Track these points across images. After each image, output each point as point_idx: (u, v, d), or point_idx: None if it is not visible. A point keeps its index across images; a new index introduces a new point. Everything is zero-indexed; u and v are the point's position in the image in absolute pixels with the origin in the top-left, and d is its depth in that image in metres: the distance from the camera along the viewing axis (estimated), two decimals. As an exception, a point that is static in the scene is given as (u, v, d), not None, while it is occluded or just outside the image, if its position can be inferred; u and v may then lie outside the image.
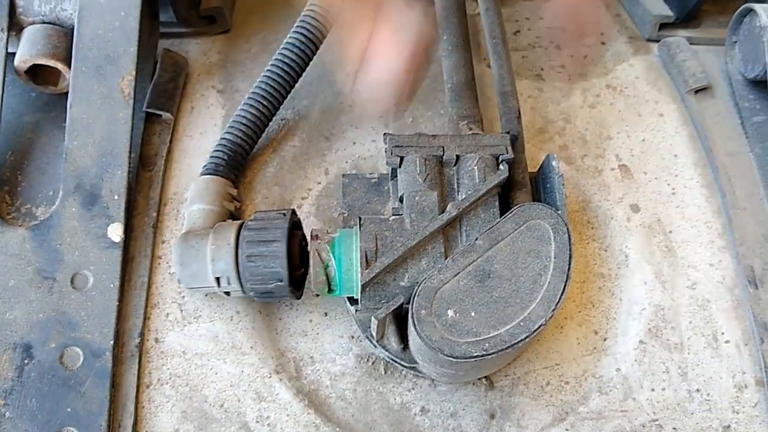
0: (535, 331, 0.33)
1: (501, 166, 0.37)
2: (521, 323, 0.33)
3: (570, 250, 0.35)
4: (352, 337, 0.39)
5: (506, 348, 0.33)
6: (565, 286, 0.34)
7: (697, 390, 0.38)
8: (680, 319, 0.40)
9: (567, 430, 0.37)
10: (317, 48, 0.43)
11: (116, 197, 0.39)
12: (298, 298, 0.38)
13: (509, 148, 0.38)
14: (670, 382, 0.38)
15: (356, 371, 0.38)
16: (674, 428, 0.37)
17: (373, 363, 0.39)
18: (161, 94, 0.44)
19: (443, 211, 0.36)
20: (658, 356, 0.39)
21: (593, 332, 0.40)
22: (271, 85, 0.42)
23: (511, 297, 0.33)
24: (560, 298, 0.34)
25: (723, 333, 0.40)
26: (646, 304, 0.40)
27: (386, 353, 0.38)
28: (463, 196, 0.36)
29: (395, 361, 0.38)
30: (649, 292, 0.40)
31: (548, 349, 0.39)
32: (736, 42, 0.47)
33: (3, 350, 0.37)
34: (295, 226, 0.38)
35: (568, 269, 0.34)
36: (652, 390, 0.38)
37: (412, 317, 0.33)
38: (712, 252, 0.42)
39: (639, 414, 0.38)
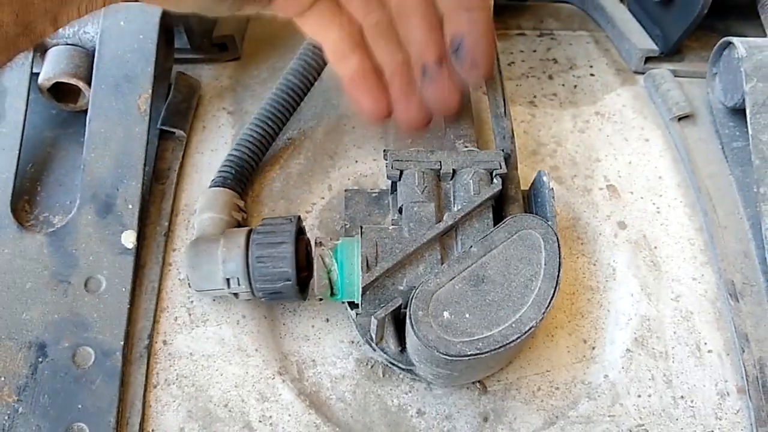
0: (526, 332, 0.34)
1: (495, 180, 0.39)
2: (513, 325, 0.35)
3: (559, 257, 0.36)
4: (352, 342, 0.41)
5: (499, 348, 0.34)
6: (554, 291, 0.35)
7: (682, 397, 0.40)
8: (665, 329, 0.41)
9: (557, 433, 0.39)
10: (319, 73, 0.45)
11: (130, 206, 0.41)
12: (304, 299, 0.40)
13: (502, 164, 0.40)
14: (656, 389, 0.40)
15: (356, 374, 0.40)
16: (660, 433, 0.39)
17: (372, 367, 0.40)
18: (175, 113, 0.46)
19: (440, 221, 0.38)
20: (644, 364, 0.40)
21: (582, 341, 0.41)
22: (275, 107, 0.44)
23: (503, 300, 0.35)
24: (550, 302, 0.35)
25: (706, 343, 0.41)
26: (632, 314, 0.42)
27: (385, 356, 0.39)
28: (459, 207, 0.38)
29: (393, 364, 0.39)
30: (635, 304, 0.42)
31: (539, 356, 0.41)
32: (716, 73, 0.49)
33: (18, 349, 0.38)
34: (300, 231, 0.40)
35: (558, 275, 0.36)
36: (639, 396, 0.39)
37: (410, 318, 0.34)
38: (694, 267, 0.43)
39: (626, 419, 0.39)
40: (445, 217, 0.38)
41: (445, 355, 0.34)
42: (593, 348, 0.41)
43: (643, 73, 0.53)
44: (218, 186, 0.42)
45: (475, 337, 0.34)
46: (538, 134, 0.49)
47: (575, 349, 0.41)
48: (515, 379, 0.40)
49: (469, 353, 0.34)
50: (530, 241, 0.37)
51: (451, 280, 0.35)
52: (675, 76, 0.52)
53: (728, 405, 0.39)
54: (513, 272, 0.36)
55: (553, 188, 0.38)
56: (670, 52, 0.53)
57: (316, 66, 0.45)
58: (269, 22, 0.57)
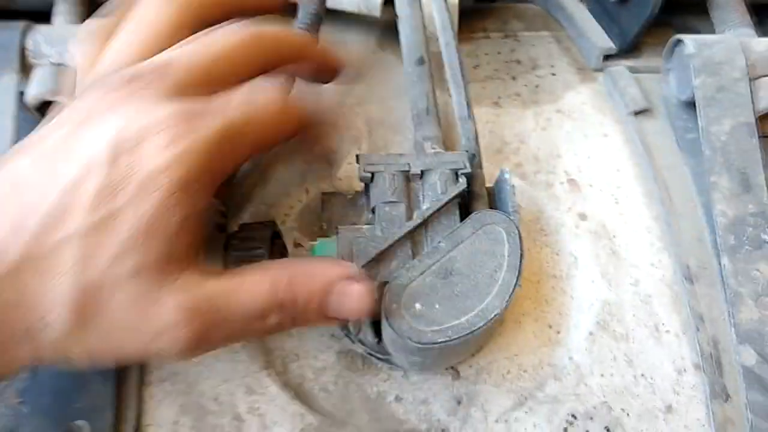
0: (491, 319, 0.37)
1: (460, 179, 0.42)
2: (479, 313, 0.37)
3: (521, 249, 0.39)
4: (333, 335, 0.43)
5: (466, 334, 0.37)
6: (516, 280, 0.38)
7: (642, 375, 0.42)
8: (625, 312, 0.44)
9: (526, 413, 0.41)
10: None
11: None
12: None
13: (467, 164, 0.42)
14: (618, 368, 0.42)
15: (337, 366, 0.42)
16: (622, 409, 0.41)
17: (351, 358, 0.42)
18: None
19: (410, 219, 0.40)
20: (606, 346, 0.43)
21: (548, 326, 0.44)
22: None
23: (470, 291, 0.38)
24: (512, 291, 0.38)
25: (663, 324, 0.44)
26: (594, 300, 0.44)
27: (363, 347, 0.41)
28: (427, 206, 0.41)
29: (371, 355, 0.42)
30: (596, 290, 0.45)
31: (508, 342, 0.43)
32: (670, 69, 0.52)
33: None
34: (276, 235, 0.42)
35: (520, 266, 0.38)
36: (602, 376, 0.42)
37: (384, 311, 0.37)
38: (652, 253, 0.46)
39: (590, 397, 0.42)
40: (414, 216, 0.40)
41: (418, 343, 0.36)
42: (558, 332, 0.44)
43: (601, 71, 0.56)
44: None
45: (445, 326, 0.37)
46: (503, 133, 0.51)
47: (541, 334, 0.44)
48: (486, 363, 0.43)
49: (439, 341, 0.36)
50: (494, 235, 0.39)
51: (421, 274, 0.38)
52: (633, 72, 0.54)
53: (685, 380, 0.42)
54: (478, 265, 0.38)
55: (514, 185, 0.41)
56: (628, 49, 0.56)
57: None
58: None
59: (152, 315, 0.30)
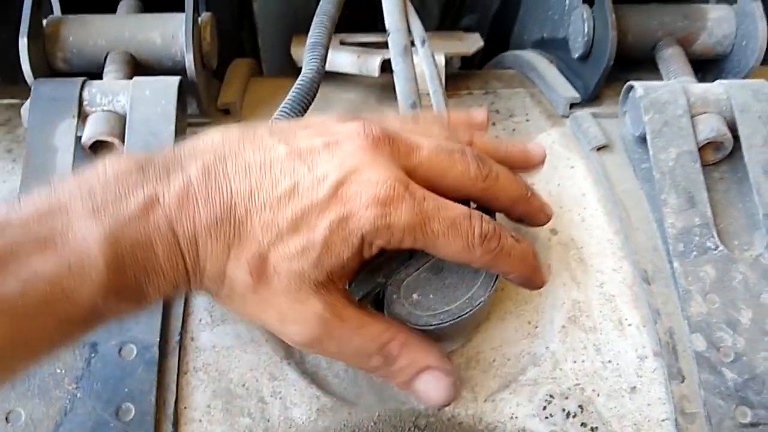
0: (476, 306, 0.43)
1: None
2: (467, 301, 0.44)
3: (502, 250, 0.46)
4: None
5: (456, 318, 0.43)
6: (497, 275, 0.45)
7: (609, 361, 0.48)
8: (592, 309, 0.50)
9: (510, 394, 0.47)
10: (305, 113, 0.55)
11: (160, 234, 0.50)
12: None
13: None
14: (588, 355, 0.49)
15: (346, 356, 0.49)
16: (593, 390, 0.47)
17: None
18: (191, 162, 0.57)
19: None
20: (578, 337, 0.49)
21: (527, 322, 0.50)
22: None
23: (459, 283, 0.44)
24: (494, 283, 0.45)
25: (626, 318, 0.50)
26: (565, 299, 0.51)
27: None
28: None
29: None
30: (567, 291, 0.51)
31: (493, 336, 0.49)
32: (625, 111, 0.60)
33: (75, 347, 0.47)
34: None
35: (501, 263, 0.46)
36: (574, 362, 0.48)
37: (386, 300, 0.44)
38: (614, 260, 0.53)
39: (565, 380, 0.47)
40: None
41: (416, 325, 0.43)
42: (536, 327, 0.50)
43: (568, 117, 0.64)
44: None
45: (438, 311, 0.43)
46: (485, 166, 0.59)
47: (522, 329, 0.50)
48: (474, 353, 0.49)
49: (434, 323, 0.43)
50: (478, 238, 0.46)
51: (417, 270, 0.45)
52: (595, 117, 0.62)
53: (646, 365, 0.48)
54: (465, 262, 0.45)
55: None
56: (590, 98, 0.64)
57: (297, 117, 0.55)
58: (262, 92, 0.68)
59: (297, 308, 0.38)
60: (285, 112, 0.53)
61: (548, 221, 0.48)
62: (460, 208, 0.40)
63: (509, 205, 0.45)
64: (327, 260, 0.38)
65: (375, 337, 0.40)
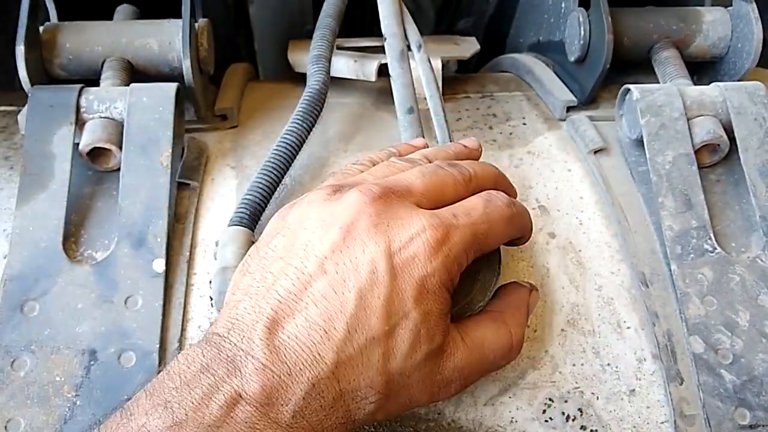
0: (475, 309, 0.44)
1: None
2: (465, 305, 0.44)
3: (499, 254, 0.46)
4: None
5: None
6: (496, 278, 0.45)
7: (608, 364, 0.48)
8: (591, 312, 0.50)
9: (510, 397, 0.47)
10: (309, 132, 0.55)
11: (159, 240, 0.50)
12: None
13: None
14: (587, 359, 0.48)
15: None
16: (592, 393, 0.47)
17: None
18: (189, 168, 0.56)
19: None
20: (576, 340, 0.49)
21: (527, 326, 0.50)
22: (275, 162, 0.53)
23: (458, 288, 0.44)
24: (493, 287, 0.45)
25: (625, 321, 0.50)
26: (564, 303, 0.51)
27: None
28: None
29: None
30: (566, 294, 0.51)
31: (493, 340, 0.50)
32: (622, 114, 0.60)
33: (74, 355, 0.46)
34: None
35: (498, 267, 0.46)
36: (573, 365, 0.48)
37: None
38: (612, 263, 0.53)
39: (564, 384, 0.47)
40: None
41: (415, 330, 0.43)
42: (535, 331, 0.50)
43: (565, 120, 0.64)
44: (236, 225, 0.50)
45: (438, 316, 0.43)
46: (483, 170, 0.59)
47: (521, 332, 0.50)
48: (474, 357, 0.49)
49: (433, 328, 0.43)
50: (476, 243, 0.46)
51: (416, 275, 0.45)
52: (592, 120, 0.62)
53: (645, 368, 0.48)
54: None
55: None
56: (587, 101, 0.64)
57: (308, 127, 0.55)
58: (259, 96, 0.68)
59: (438, 379, 0.39)
60: (296, 124, 0.54)
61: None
62: (480, 198, 0.42)
63: (494, 188, 0.45)
64: (434, 329, 0.38)
65: (501, 344, 0.43)
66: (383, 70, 0.64)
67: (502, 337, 0.43)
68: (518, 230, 0.45)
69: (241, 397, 0.33)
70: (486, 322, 0.43)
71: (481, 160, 0.57)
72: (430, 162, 0.45)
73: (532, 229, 0.47)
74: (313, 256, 0.37)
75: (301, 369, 0.34)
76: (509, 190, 0.48)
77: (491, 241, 0.42)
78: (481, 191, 0.44)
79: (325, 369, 0.34)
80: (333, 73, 0.67)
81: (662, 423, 0.47)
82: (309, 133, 0.55)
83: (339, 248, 0.37)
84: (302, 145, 0.54)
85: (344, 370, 0.35)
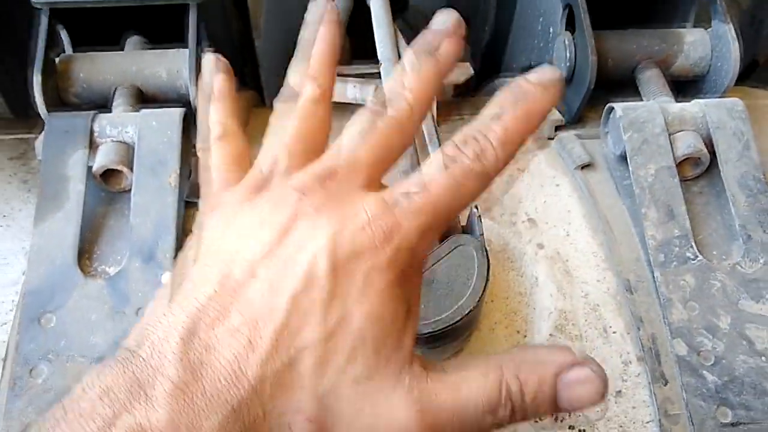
0: (466, 314, 0.46)
1: (438, 213, 0.52)
2: (456, 310, 0.46)
3: (488, 263, 0.48)
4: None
5: (447, 326, 0.45)
6: (485, 285, 0.47)
7: (595, 367, 0.51)
8: (578, 318, 0.53)
9: (501, 399, 0.49)
10: None
11: (167, 255, 0.52)
12: None
13: (443, 201, 0.52)
14: (575, 362, 0.51)
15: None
16: (580, 394, 0.50)
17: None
18: (196, 188, 0.58)
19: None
20: (564, 344, 0.52)
21: (516, 332, 0.52)
22: None
23: (449, 294, 0.47)
24: (482, 293, 0.47)
25: (611, 326, 0.52)
26: (552, 309, 0.53)
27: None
28: (413, 233, 0.50)
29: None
30: (554, 302, 0.53)
31: (485, 345, 0.52)
32: (607, 131, 0.63)
33: (89, 363, 0.48)
34: None
35: (487, 274, 0.48)
36: (562, 368, 0.51)
37: (381, 311, 0.46)
38: (598, 272, 0.55)
39: (553, 386, 0.50)
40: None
41: (409, 334, 0.45)
42: (525, 336, 0.52)
43: (553, 138, 0.67)
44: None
45: (430, 320, 0.46)
46: (475, 186, 0.62)
47: (511, 338, 0.52)
48: (467, 361, 0.51)
49: (425, 332, 0.45)
50: (466, 253, 0.49)
51: (409, 283, 0.47)
52: (579, 138, 0.65)
53: (631, 370, 0.50)
54: (454, 275, 0.48)
55: (480, 215, 0.51)
56: (574, 120, 0.67)
57: None
58: (264, 122, 0.71)
59: (386, 416, 0.30)
60: None
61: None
62: (438, 163, 0.32)
63: (436, 86, 0.35)
64: (381, 339, 0.30)
65: (483, 386, 0.30)
66: (381, 93, 0.67)
67: (490, 386, 0.30)
68: (491, 174, 0.34)
69: (144, 430, 0.26)
70: (472, 366, 0.32)
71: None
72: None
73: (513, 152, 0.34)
74: (243, 260, 0.30)
75: (219, 389, 0.27)
76: (452, 52, 0.35)
77: (458, 210, 0.34)
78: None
79: (247, 386, 0.28)
80: (334, 99, 0.70)
81: (648, 422, 0.49)
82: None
83: (272, 250, 0.30)
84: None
85: (269, 388, 0.28)
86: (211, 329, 0.29)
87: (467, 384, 0.30)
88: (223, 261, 0.30)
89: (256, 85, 0.96)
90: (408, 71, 0.35)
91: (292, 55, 0.93)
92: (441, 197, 0.31)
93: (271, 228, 0.31)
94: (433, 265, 0.48)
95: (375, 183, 0.33)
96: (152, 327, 0.29)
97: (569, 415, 0.48)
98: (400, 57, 0.64)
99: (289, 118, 0.37)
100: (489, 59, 1.02)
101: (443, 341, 0.48)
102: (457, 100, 0.78)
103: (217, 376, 0.28)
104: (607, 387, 0.30)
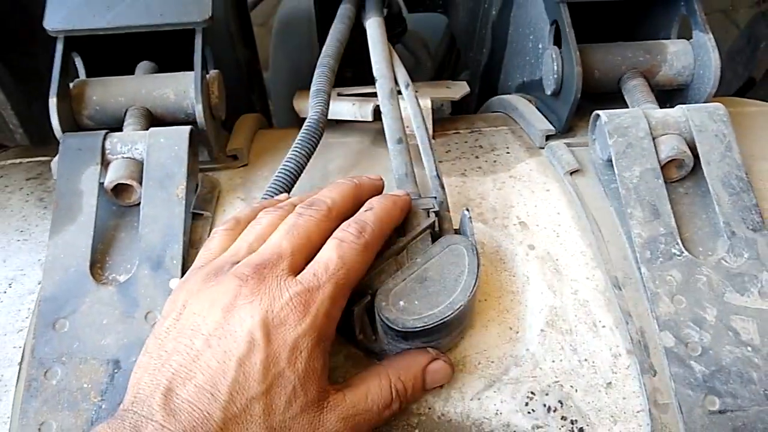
0: (457, 309, 0.47)
1: (430, 215, 0.53)
2: (448, 305, 0.47)
3: (478, 260, 0.50)
4: (341, 343, 0.53)
5: (439, 321, 0.47)
6: (475, 281, 0.49)
7: (586, 359, 0.52)
8: (568, 314, 0.54)
9: (495, 392, 0.50)
10: (309, 158, 0.61)
11: (175, 262, 0.55)
12: None
13: (435, 204, 0.54)
14: (565, 355, 0.52)
15: (345, 365, 0.51)
16: (571, 386, 0.50)
17: (356, 359, 0.51)
18: (203, 201, 0.61)
19: (395, 245, 0.52)
20: (555, 339, 0.52)
21: (509, 328, 0.54)
22: (278, 186, 0.58)
23: (441, 291, 0.48)
24: (473, 289, 0.48)
25: (600, 321, 0.53)
26: (543, 306, 0.54)
27: (364, 348, 0.52)
28: (407, 235, 0.52)
29: (370, 351, 0.51)
30: (544, 299, 0.55)
31: (478, 341, 0.53)
32: (594, 138, 0.65)
33: (100, 364, 0.51)
34: None
35: (477, 271, 0.49)
36: (553, 362, 0.51)
37: (376, 307, 0.48)
38: (587, 270, 0.56)
39: (545, 378, 0.51)
40: (398, 242, 0.52)
41: (403, 328, 0.46)
42: (517, 332, 0.53)
43: (544, 147, 0.69)
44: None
45: (423, 315, 0.47)
46: (468, 194, 0.63)
47: (504, 334, 0.53)
48: (461, 357, 0.52)
49: (419, 326, 0.47)
50: (457, 251, 0.50)
51: (403, 280, 0.49)
52: (568, 146, 0.67)
53: (620, 362, 0.51)
54: (446, 272, 0.49)
55: (471, 217, 0.53)
56: (564, 130, 0.69)
57: (306, 153, 0.60)
58: (269, 141, 0.74)
59: (322, 431, 0.43)
60: (297, 150, 0.59)
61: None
62: (332, 246, 0.47)
63: (355, 202, 0.52)
64: (308, 384, 0.43)
65: (381, 392, 0.47)
66: (379, 113, 0.69)
67: (384, 390, 0.46)
68: (377, 244, 0.49)
69: None
70: (370, 377, 0.47)
71: (466, 185, 0.62)
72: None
73: (399, 219, 0.52)
74: (200, 334, 0.42)
75: (194, 427, 0.39)
76: (373, 190, 0.54)
77: (356, 277, 0.47)
78: (347, 214, 0.50)
79: (214, 425, 0.39)
80: (335, 116, 0.73)
81: (638, 412, 0.50)
82: (308, 160, 0.60)
83: (221, 326, 0.42)
84: (302, 171, 0.59)
85: (232, 426, 0.39)
86: (184, 387, 0.40)
87: (370, 392, 0.46)
88: (186, 335, 0.43)
89: (263, 108, 0.99)
90: (332, 188, 0.52)
91: (296, 86, 0.96)
92: (339, 272, 0.45)
93: (220, 308, 0.43)
94: (425, 264, 0.50)
95: (298, 266, 0.46)
96: (141, 390, 0.41)
97: (561, 406, 0.50)
98: (394, 74, 0.67)
99: (259, 224, 0.50)
100: (487, 80, 1.05)
101: (436, 336, 0.49)
102: (454, 117, 0.80)
103: (191, 418, 0.39)
104: (453, 368, 0.51)
